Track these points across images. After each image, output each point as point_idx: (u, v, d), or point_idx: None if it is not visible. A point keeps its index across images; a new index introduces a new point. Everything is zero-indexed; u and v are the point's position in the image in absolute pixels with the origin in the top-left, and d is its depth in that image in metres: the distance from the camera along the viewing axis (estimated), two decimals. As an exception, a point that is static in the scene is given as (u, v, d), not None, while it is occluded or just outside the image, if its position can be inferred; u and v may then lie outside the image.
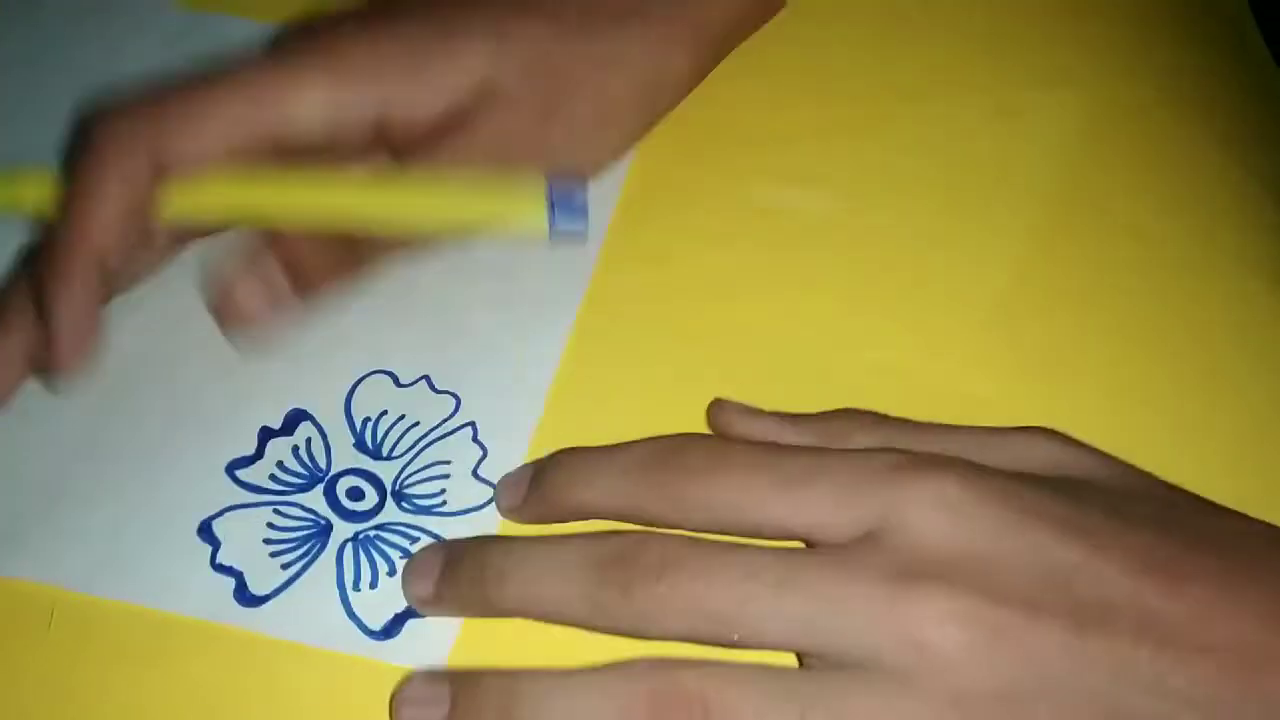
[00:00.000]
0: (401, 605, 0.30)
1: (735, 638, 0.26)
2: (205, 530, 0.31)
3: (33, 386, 0.34)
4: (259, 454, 0.33)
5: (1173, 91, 0.41)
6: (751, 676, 0.25)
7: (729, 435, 0.32)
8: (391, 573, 0.31)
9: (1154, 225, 0.38)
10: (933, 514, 0.26)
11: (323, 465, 0.33)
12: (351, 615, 0.30)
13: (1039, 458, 0.29)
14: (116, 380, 0.34)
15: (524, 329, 0.35)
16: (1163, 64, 0.40)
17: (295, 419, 0.34)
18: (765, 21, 0.41)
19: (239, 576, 0.31)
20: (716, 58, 0.39)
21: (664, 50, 0.36)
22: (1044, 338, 0.35)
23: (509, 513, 0.31)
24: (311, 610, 0.30)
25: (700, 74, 0.38)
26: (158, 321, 0.36)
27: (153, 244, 0.33)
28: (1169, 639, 0.24)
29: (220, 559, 0.31)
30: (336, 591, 0.30)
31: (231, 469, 0.33)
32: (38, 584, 0.31)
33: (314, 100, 0.31)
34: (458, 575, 0.29)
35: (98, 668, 0.30)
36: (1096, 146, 0.39)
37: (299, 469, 0.33)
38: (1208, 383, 0.35)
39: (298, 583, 0.31)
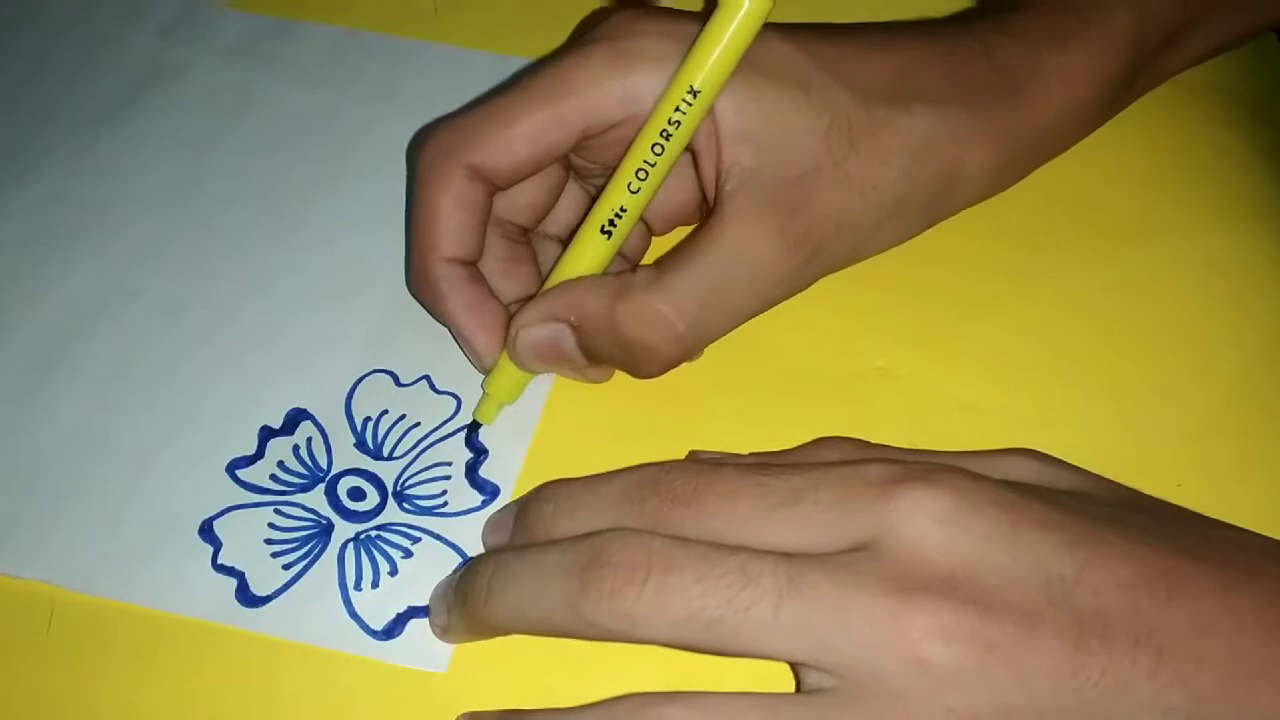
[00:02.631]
0: (403, 605, 0.30)
1: (733, 647, 0.25)
2: (206, 530, 0.31)
3: (30, 387, 0.34)
4: (259, 454, 0.33)
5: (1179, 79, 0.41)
6: (743, 708, 0.25)
7: None
8: (393, 573, 0.31)
9: (1159, 222, 0.38)
10: (928, 526, 0.25)
11: (323, 465, 0.33)
12: (353, 615, 0.30)
13: (1025, 477, 0.28)
14: (116, 380, 0.34)
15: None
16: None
17: (295, 418, 0.33)
18: (1089, 132, 0.38)
19: (240, 577, 0.31)
20: (1028, 162, 0.36)
21: (969, 142, 0.33)
22: (1043, 344, 0.35)
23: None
24: (313, 610, 0.30)
25: (1004, 175, 0.36)
26: (158, 323, 0.36)
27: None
28: (1166, 653, 0.24)
29: (221, 559, 0.31)
30: (338, 591, 0.30)
31: (232, 469, 0.33)
32: (38, 584, 0.31)
33: (614, 91, 0.31)
34: (458, 599, 0.29)
35: (98, 668, 0.30)
36: (1098, 141, 0.39)
37: (300, 469, 0.33)
38: (1212, 386, 0.35)
39: (299, 583, 0.31)
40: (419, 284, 0.33)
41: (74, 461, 0.33)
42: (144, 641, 0.30)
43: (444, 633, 0.29)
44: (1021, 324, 0.36)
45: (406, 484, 0.32)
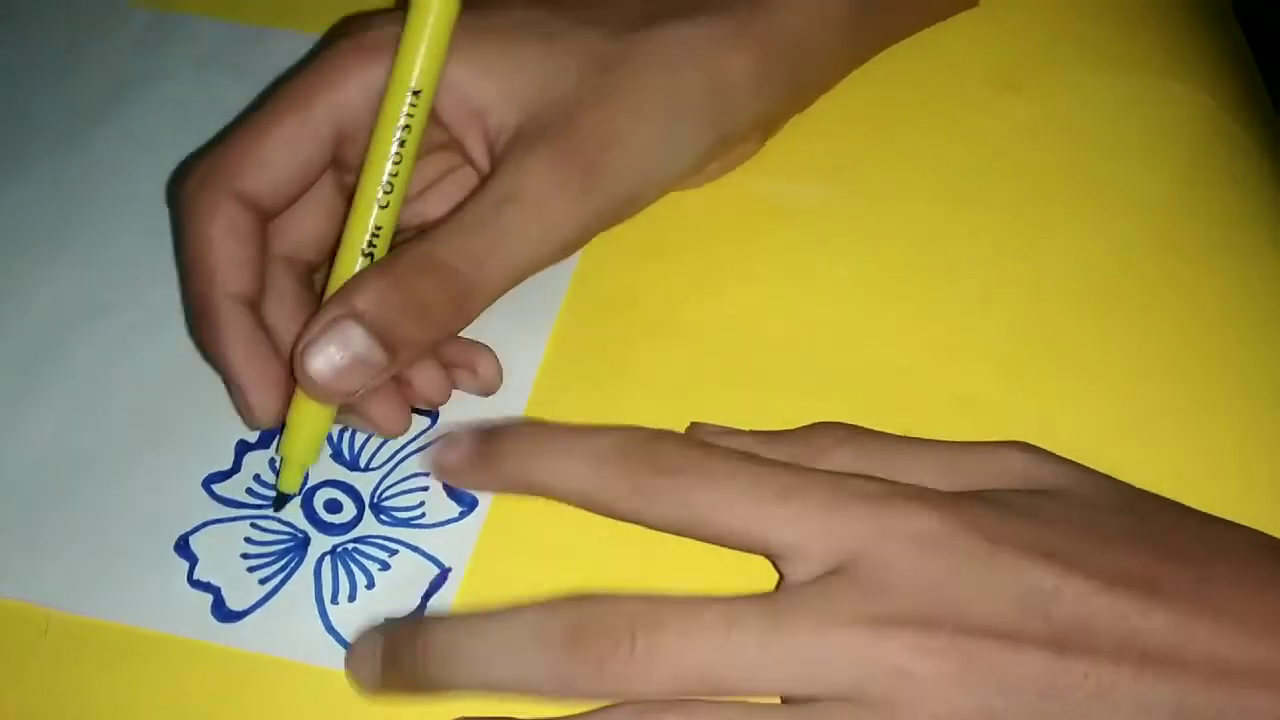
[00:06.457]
0: (381, 619, 0.30)
1: (724, 690, 0.26)
2: (182, 546, 0.31)
3: (2, 402, 0.34)
4: (236, 468, 0.33)
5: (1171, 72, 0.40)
6: (737, 717, 0.26)
7: None
8: (370, 586, 0.31)
9: (1161, 218, 0.38)
10: (909, 547, 0.26)
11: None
12: (330, 629, 0.30)
13: (1012, 471, 0.29)
14: (92, 395, 0.34)
15: (504, 335, 0.35)
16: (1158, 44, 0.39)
17: (272, 432, 0.33)
18: (851, 48, 0.38)
19: (216, 592, 0.30)
20: (791, 71, 0.36)
21: (728, 47, 0.34)
22: (1040, 337, 0.35)
23: (442, 470, 0.30)
24: (290, 625, 0.30)
25: (767, 83, 0.35)
26: (133, 336, 0.35)
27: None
28: (1149, 655, 0.24)
29: (197, 575, 0.31)
30: (315, 605, 0.30)
31: (208, 484, 0.32)
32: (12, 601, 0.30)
33: (355, 86, 0.31)
34: (398, 658, 0.27)
35: (96, 671, 0.29)
36: (1101, 134, 0.38)
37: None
38: (1209, 379, 0.34)
39: (276, 597, 0.30)
40: (200, 324, 0.31)
41: (49, 478, 0.33)
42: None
43: (370, 691, 0.28)
44: (1020, 318, 0.35)
45: (384, 495, 0.32)
